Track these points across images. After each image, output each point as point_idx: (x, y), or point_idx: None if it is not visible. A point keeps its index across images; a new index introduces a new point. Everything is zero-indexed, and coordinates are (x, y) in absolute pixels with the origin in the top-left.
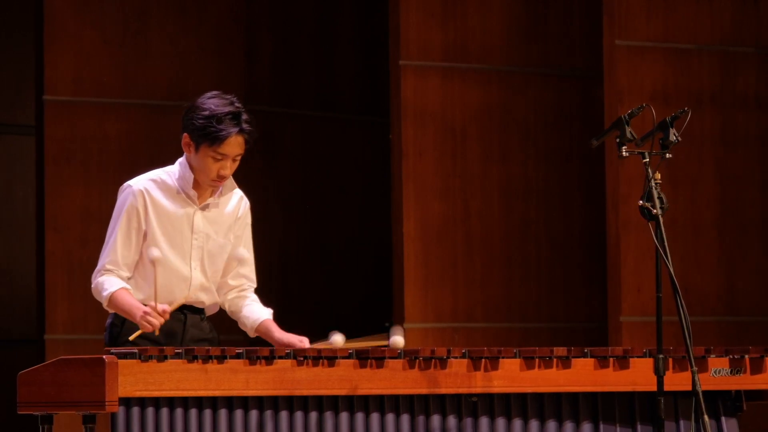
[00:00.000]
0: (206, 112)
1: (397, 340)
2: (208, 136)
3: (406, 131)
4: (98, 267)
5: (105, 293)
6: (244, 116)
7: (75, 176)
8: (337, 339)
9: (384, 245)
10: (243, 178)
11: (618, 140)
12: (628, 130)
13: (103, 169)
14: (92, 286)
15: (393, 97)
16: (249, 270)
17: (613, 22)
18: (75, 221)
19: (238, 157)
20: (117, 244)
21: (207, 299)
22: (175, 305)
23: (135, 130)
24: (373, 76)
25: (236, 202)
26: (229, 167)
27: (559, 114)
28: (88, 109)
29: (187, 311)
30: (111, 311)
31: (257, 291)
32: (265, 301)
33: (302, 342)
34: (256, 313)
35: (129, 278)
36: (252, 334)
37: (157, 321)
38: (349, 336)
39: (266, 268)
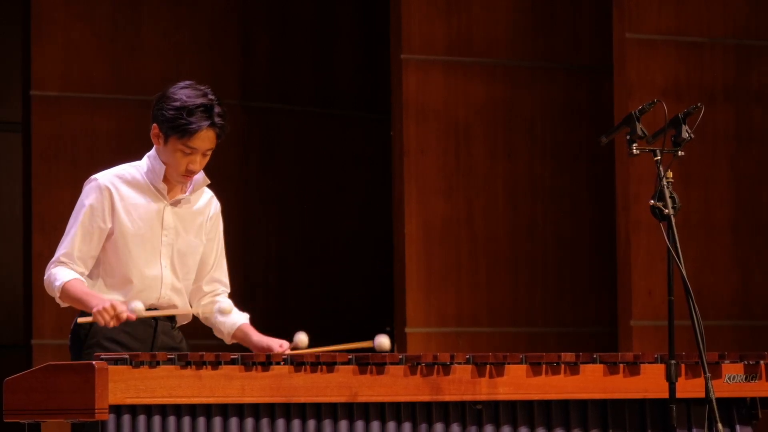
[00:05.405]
0: (177, 103)
1: (383, 342)
2: (177, 128)
3: (407, 128)
4: (52, 259)
5: (57, 283)
6: (217, 109)
7: (63, 175)
8: (301, 338)
9: (385, 246)
10: (240, 177)
11: (628, 137)
12: (638, 126)
13: (93, 167)
14: (44, 278)
15: (394, 92)
16: (223, 274)
17: (623, 14)
18: (63, 222)
19: (209, 152)
20: (76, 238)
21: (179, 302)
22: (148, 314)
23: (126, 126)
24: (374, 70)
25: (207, 201)
26: (198, 162)
27: (566, 110)
28: (77, 105)
29: (157, 317)
30: (64, 304)
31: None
32: (263, 303)
33: (281, 346)
34: (232, 318)
35: (82, 273)
36: (229, 341)
37: (112, 322)
38: (347, 340)
39: (264, 268)
